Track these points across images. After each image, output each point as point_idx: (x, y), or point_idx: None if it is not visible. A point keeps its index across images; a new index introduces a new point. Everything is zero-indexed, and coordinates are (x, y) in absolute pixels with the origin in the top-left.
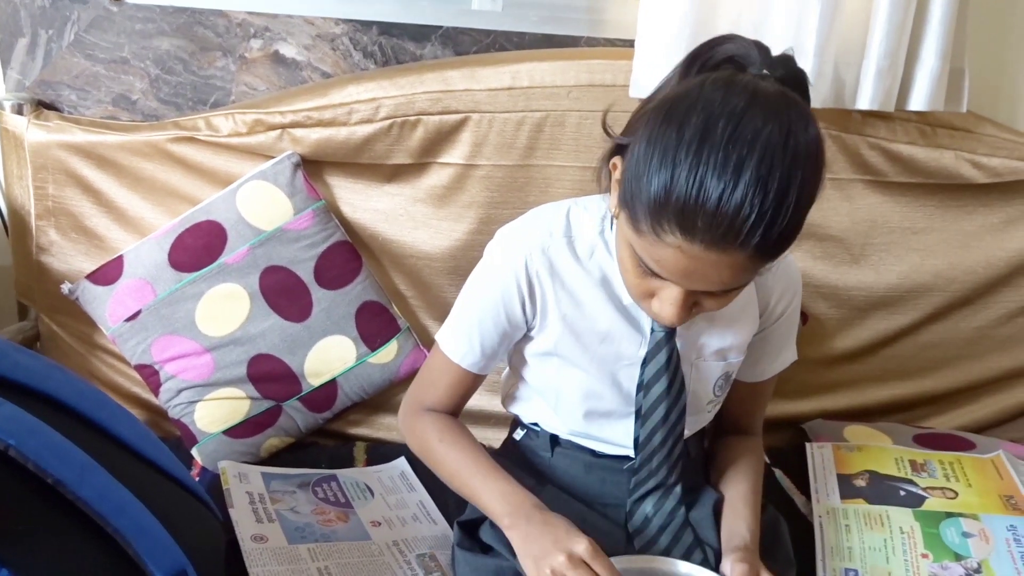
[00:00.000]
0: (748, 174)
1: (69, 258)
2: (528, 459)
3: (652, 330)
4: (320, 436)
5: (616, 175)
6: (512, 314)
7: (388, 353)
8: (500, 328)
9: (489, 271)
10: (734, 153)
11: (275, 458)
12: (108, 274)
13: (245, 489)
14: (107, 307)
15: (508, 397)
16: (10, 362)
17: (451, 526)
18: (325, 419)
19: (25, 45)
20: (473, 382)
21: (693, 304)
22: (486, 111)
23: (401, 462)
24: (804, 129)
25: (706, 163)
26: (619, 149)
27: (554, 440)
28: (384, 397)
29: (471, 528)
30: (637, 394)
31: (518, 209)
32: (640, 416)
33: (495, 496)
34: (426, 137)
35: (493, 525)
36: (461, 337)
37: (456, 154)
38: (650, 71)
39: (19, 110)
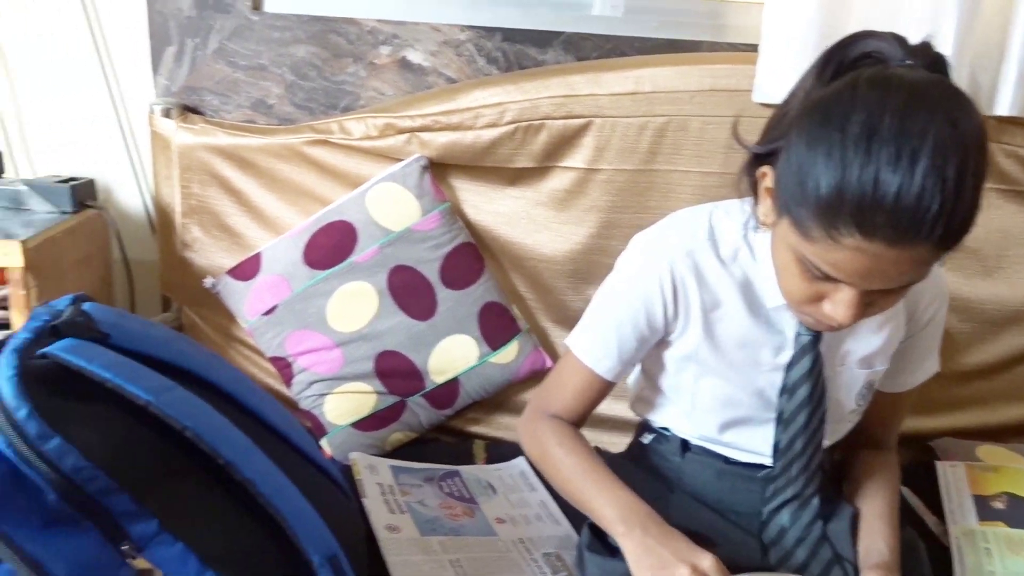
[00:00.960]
0: (923, 165)
1: (211, 254)
2: (656, 464)
3: (797, 335)
4: (441, 432)
5: (766, 183)
6: (653, 318)
7: (508, 353)
8: (639, 333)
9: (629, 275)
10: (906, 146)
11: (398, 452)
12: (247, 270)
13: (376, 480)
14: (246, 301)
15: (638, 401)
16: (175, 349)
17: (574, 527)
18: (446, 416)
19: (173, 53)
20: (604, 389)
21: (867, 304)
22: (609, 116)
23: (520, 461)
24: (968, 116)
25: (878, 159)
26: (760, 157)
27: (684, 445)
28: (503, 397)
29: (600, 530)
30: (780, 398)
31: (639, 214)
32: (782, 421)
33: (608, 502)
34: (549, 141)
35: None
36: (597, 342)
37: (578, 158)
38: (775, 76)
39: (167, 114)
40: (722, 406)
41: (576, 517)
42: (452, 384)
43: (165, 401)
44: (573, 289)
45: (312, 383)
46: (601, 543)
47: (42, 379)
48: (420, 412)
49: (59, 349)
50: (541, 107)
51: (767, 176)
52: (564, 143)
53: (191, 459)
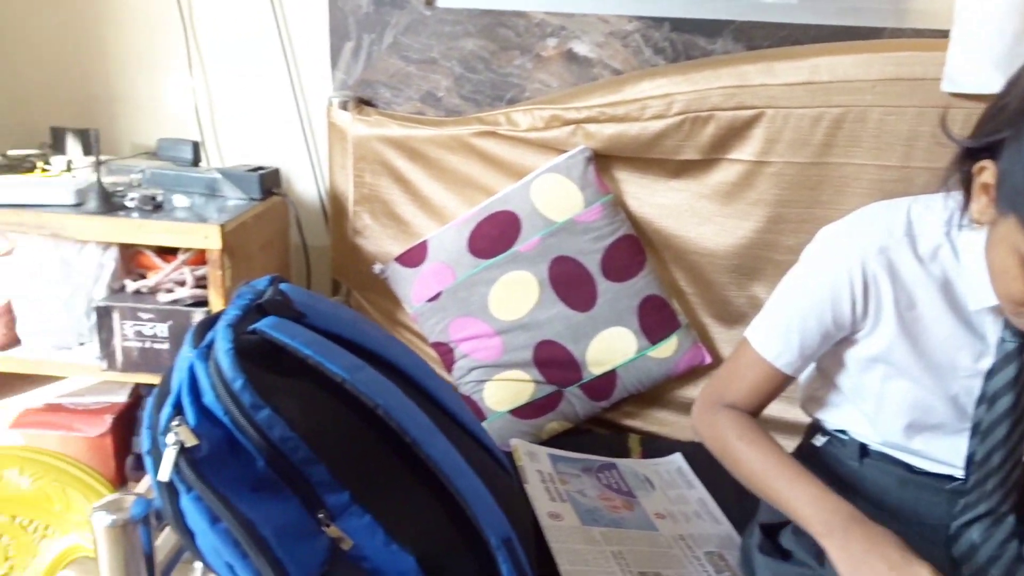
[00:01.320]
0: None
1: (379, 241)
2: (831, 468)
3: (1001, 340)
4: (595, 424)
5: (984, 178)
6: (839, 314)
7: (667, 348)
8: (823, 328)
9: (817, 269)
10: None
11: (553, 441)
12: (414, 257)
13: (536, 468)
14: (412, 287)
15: (812, 401)
16: (360, 330)
17: (735, 527)
18: (602, 408)
19: (351, 48)
20: (781, 383)
21: None
22: (782, 106)
23: (677, 458)
24: None
25: None
26: (974, 152)
27: (863, 450)
28: (659, 391)
29: (772, 532)
30: (978, 407)
31: (809, 208)
32: (978, 432)
33: (805, 500)
34: (717, 133)
35: (796, 531)
36: (778, 335)
37: (747, 150)
38: (968, 64)
39: (344, 106)
40: (911, 411)
41: (737, 517)
42: (609, 376)
43: (359, 379)
44: (736, 284)
45: (472, 369)
46: (772, 545)
47: (252, 353)
48: (576, 403)
49: (266, 326)
50: (710, 98)
51: (986, 171)
52: (732, 135)
53: (380, 436)
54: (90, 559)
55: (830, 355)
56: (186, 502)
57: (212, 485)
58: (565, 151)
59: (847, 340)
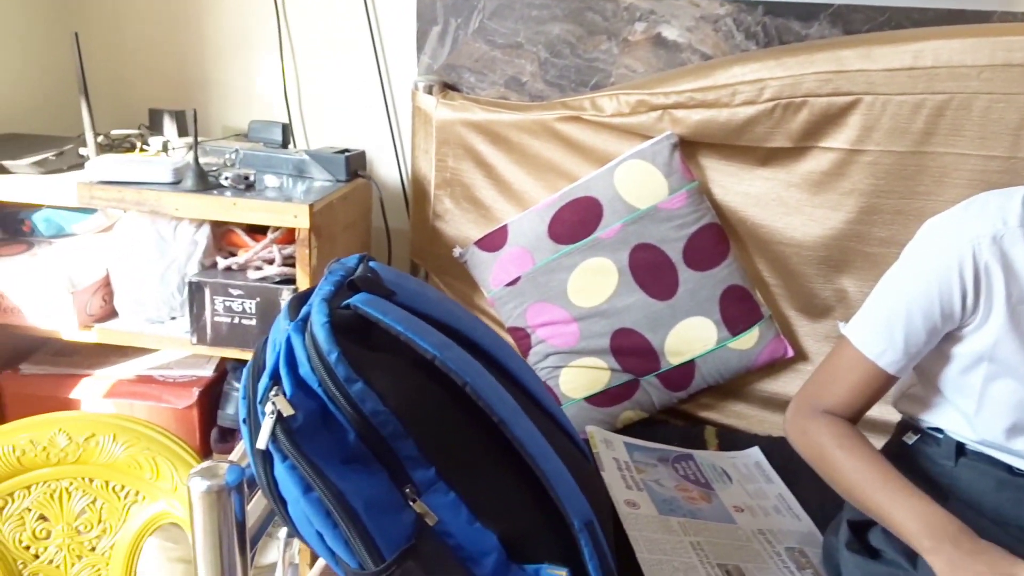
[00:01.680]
0: None
1: (459, 225)
2: (923, 467)
3: None
4: (671, 415)
5: None
6: (948, 307)
7: (748, 340)
8: (930, 324)
9: (924, 259)
10: None
11: (628, 431)
12: (494, 241)
13: (612, 456)
14: (491, 272)
15: (906, 398)
16: (446, 310)
17: (816, 524)
18: (679, 399)
19: (437, 33)
20: (884, 384)
21: None
22: (880, 93)
23: (755, 452)
24: None
25: None
26: None
27: (960, 449)
28: (738, 384)
29: (860, 529)
30: None
31: (905, 199)
32: None
33: (911, 515)
34: (810, 120)
35: (886, 530)
36: (880, 332)
37: (841, 138)
38: None
39: (429, 91)
40: (1014, 411)
41: (817, 514)
42: (688, 367)
43: (448, 357)
44: (822, 276)
45: (549, 355)
46: (860, 543)
47: (345, 328)
48: (653, 392)
49: (359, 302)
50: (805, 83)
51: None
52: (826, 122)
53: (467, 415)
54: (176, 526)
55: (932, 352)
56: (280, 471)
57: (306, 455)
58: (650, 137)
59: (952, 336)
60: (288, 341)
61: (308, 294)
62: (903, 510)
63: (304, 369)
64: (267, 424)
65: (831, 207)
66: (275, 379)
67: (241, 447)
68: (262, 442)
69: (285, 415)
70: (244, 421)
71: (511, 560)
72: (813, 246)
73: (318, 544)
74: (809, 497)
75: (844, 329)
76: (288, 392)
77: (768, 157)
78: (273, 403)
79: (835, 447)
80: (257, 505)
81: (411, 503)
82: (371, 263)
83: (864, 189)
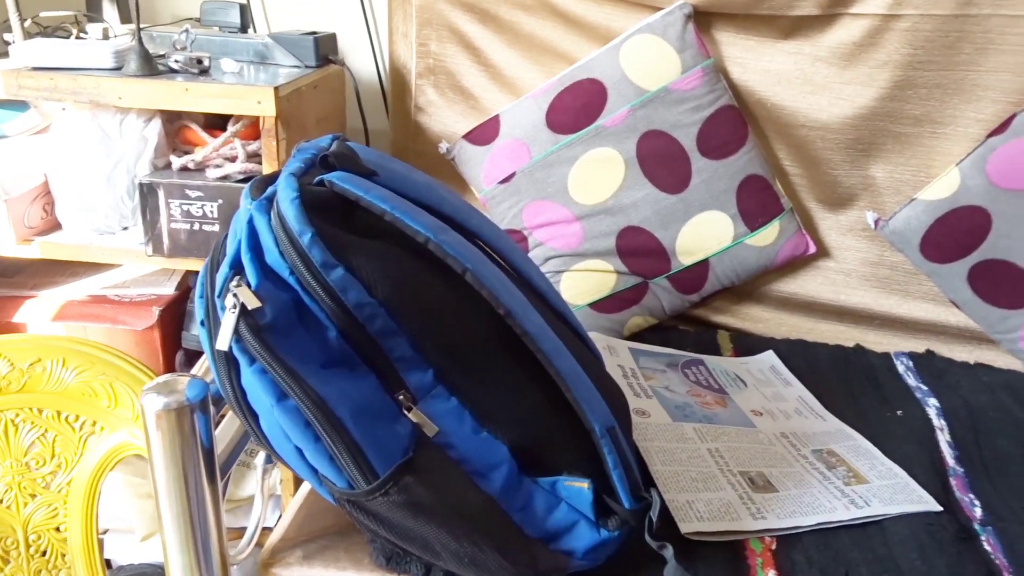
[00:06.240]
0: None
1: (445, 118)
2: None
3: None
4: (682, 321)
5: None
6: None
7: (768, 235)
8: None
9: None
10: None
11: (637, 338)
12: (485, 134)
13: (616, 362)
14: (482, 168)
15: None
16: (437, 196)
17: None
18: (691, 302)
19: None
20: None
21: None
22: None
23: (770, 355)
24: None
25: None
26: None
27: None
28: (754, 285)
29: None
30: None
31: (943, 71)
32: None
33: None
34: None
35: None
36: None
37: (875, 2)
38: None
39: None
40: None
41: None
42: (701, 267)
43: (443, 240)
44: (849, 162)
45: (549, 258)
46: None
47: (320, 207)
48: (663, 296)
49: (336, 178)
50: None
51: None
52: None
53: (467, 306)
54: (142, 459)
55: None
56: (248, 376)
57: (278, 355)
58: (660, 8)
59: None
60: (251, 223)
61: (274, 177)
62: None
63: (272, 255)
64: (228, 320)
65: (862, 83)
66: (236, 268)
67: (205, 361)
68: (223, 342)
69: (250, 307)
70: (202, 323)
71: (524, 473)
72: (840, 128)
73: (298, 463)
74: (833, 401)
75: None
76: (253, 283)
77: (792, 28)
78: (235, 295)
79: None
80: (228, 428)
81: (406, 412)
82: (348, 142)
83: (899, 60)
